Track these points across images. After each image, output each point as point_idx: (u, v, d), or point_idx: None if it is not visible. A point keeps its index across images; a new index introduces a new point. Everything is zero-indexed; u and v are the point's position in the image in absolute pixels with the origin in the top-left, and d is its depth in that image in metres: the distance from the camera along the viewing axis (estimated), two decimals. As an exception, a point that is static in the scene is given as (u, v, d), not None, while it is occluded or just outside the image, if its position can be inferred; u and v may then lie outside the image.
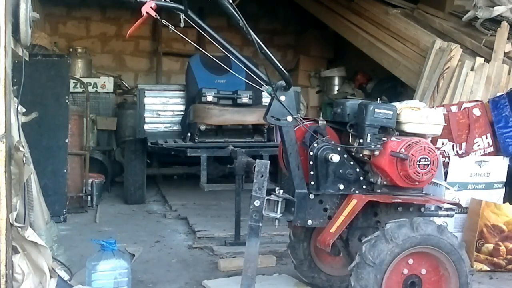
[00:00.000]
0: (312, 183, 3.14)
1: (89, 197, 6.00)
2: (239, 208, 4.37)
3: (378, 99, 3.45)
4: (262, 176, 2.95)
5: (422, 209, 3.23)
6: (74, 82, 6.97)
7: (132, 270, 3.35)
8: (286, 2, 9.07)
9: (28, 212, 3.08)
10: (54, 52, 7.12)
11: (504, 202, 4.34)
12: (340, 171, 3.15)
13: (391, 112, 3.13)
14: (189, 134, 5.89)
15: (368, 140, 3.09)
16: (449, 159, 4.37)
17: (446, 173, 4.29)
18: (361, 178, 3.20)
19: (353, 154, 3.21)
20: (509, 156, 4.49)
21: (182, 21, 2.89)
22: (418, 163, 3.02)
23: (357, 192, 3.18)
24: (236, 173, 4.29)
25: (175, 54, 9.52)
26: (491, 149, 4.58)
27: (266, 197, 2.98)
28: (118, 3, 7.64)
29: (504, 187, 4.47)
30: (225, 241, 4.49)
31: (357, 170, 3.20)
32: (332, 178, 3.15)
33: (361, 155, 3.17)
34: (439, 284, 2.98)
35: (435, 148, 3.22)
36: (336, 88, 9.10)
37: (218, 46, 3.04)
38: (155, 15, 2.85)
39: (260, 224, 2.96)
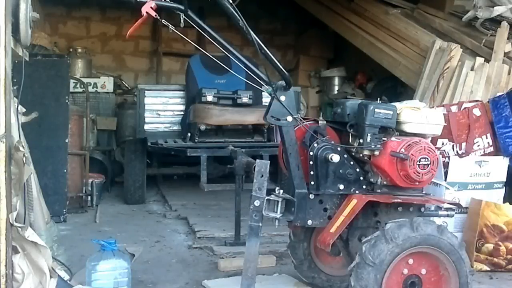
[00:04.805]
0: (312, 183, 3.14)
1: (89, 197, 6.00)
2: (239, 208, 4.37)
3: (378, 99, 3.45)
4: (262, 176, 2.95)
5: (422, 209, 3.22)
6: (74, 82, 6.97)
7: (132, 270, 3.35)
8: (286, 2, 9.06)
9: (28, 212, 3.08)
10: (54, 52, 7.13)
11: (504, 202, 4.34)
12: (340, 171, 3.15)
13: (391, 112, 3.13)
14: (189, 134, 5.89)
15: (368, 140, 3.09)
16: (449, 159, 4.37)
17: (446, 173, 4.29)
18: (361, 178, 3.20)
19: (353, 154, 3.21)
20: (509, 156, 4.49)
21: (182, 21, 2.89)
22: (418, 163, 3.02)
23: (357, 192, 3.17)
24: (236, 173, 4.29)
25: (175, 54, 9.50)
26: (491, 149, 4.58)
27: (266, 197, 2.99)
28: (118, 3, 7.64)
29: (504, 187, 4.47)
30: (225, 241, 4.49)
31: (357, 170, 3.20)
32: (332, 178, 3.15)
33: (361, 155, 3.17)
34: (439, 284, 2.98)
35: (435, 148, 3.22)
36: (336, 88, 9.10)
37: (218, 46, 3.04)
38: (155, 15, 2.85)
39: (260, 224, 2.97)
